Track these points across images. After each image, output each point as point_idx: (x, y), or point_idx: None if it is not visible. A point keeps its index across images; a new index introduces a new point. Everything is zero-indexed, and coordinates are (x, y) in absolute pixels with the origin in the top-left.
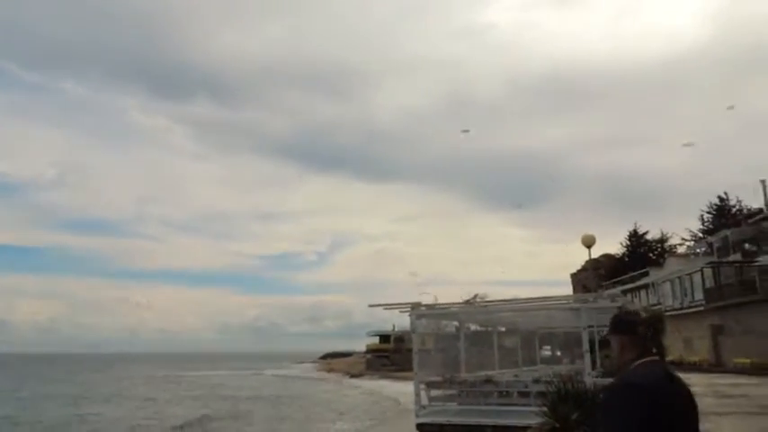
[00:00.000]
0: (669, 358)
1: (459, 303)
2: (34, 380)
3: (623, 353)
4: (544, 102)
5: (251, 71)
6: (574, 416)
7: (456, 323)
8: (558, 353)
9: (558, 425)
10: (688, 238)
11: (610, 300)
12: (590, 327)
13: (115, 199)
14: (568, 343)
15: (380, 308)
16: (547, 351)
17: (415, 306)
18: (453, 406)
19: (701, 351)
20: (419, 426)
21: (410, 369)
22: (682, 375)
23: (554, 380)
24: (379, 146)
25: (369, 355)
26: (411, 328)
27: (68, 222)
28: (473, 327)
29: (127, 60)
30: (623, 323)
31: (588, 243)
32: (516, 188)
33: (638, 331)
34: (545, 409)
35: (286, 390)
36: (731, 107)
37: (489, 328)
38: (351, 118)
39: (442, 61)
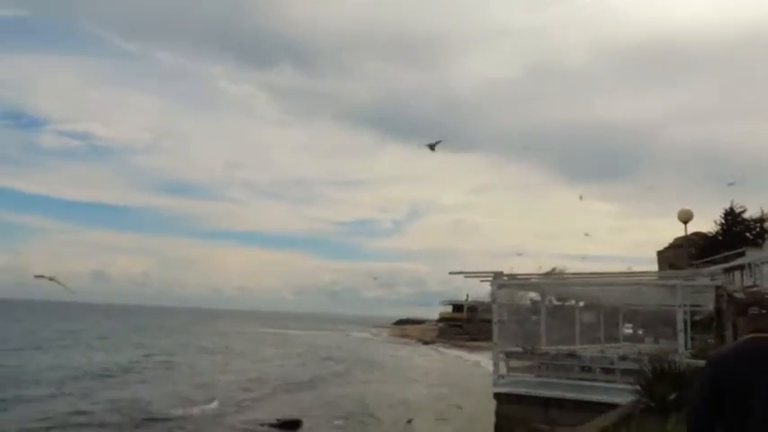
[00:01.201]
0: None
1: (542, 274)
2: (154, 330)
3: (741, 332)
4: (636, 71)
5: (333, 39)
6: (671, 396)
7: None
8: (640, 331)
9: (653, 404)
10: None
11: (709, 278)
12: (684, 306)
13: (204, 163)
14: (653, 321)
15: (456, 277)
16: (628, 329)
17: (497, 275)
18: (531, 378)
19: None
20: (496, 395)
21: (482, 339)
22: None
23: (644, 358)
24: (458, 115)
25: (441, 324)
26: (491, 298)
27: (161, 184)
28: (554, 300)
29: (215, 30)
30: (743, 303)
31: (685, 218)
32: (601, 160)
33: (748, 312)
34: (638, 387)
35: (378, 352)
36: None
37: (571, 302)
38: (431, 87)
39: (526, 29)
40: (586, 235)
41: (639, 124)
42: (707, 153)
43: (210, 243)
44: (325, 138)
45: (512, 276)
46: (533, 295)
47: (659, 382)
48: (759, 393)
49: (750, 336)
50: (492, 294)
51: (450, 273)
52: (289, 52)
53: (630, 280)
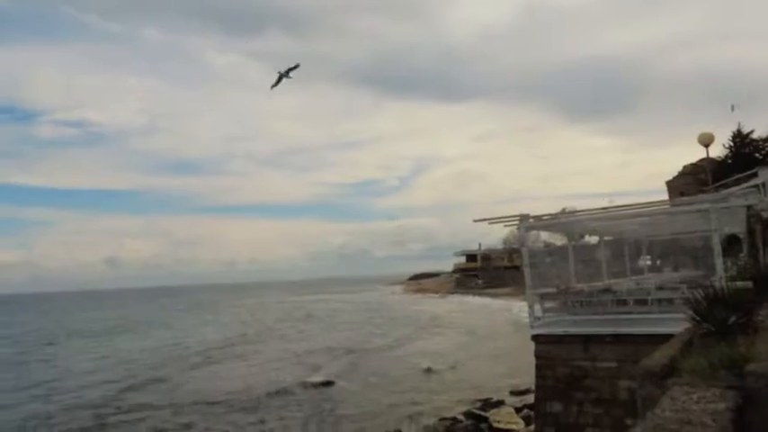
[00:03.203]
0: None
1: (567, 213)
2: (171, 309)
3: None
4: (629, 1)
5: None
6: (731, 320)
7: (548, 237)
8: (658, 262)
9: (713, 329)
10: None
11: (744, 198)
12: (716, 230)
13: (202, 140)
14: (671, 251)
15: (465, 228)
16: (647, 260)
17: (523, 218)
18: (567, 317)
19: None
20: (534, 337)
21: (498, 286)
22: None
23: (681, 286)
24: (454, 65)
25: (457, 275)
26: (520, 242)
27: (162, 165)
28: (578, 239)
29: (197, 1)
30: None
31: (706, 141)
32: (601, 96)
33: None
34: (694, 314)
35: (410, 305)
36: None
37: (593, 240)
38: (424, 39)
39: None
40: (608, 199)
41: (637, 54)
42: (709, 76)
43: (218, 218)
44: (322, 101)
45: (538, 218)
46: (545, 238)
47: (715, 307)
48: None
49: None
50: (520, 238)
51: (475, 221)
52: (276, 17)
53: (661, 209)
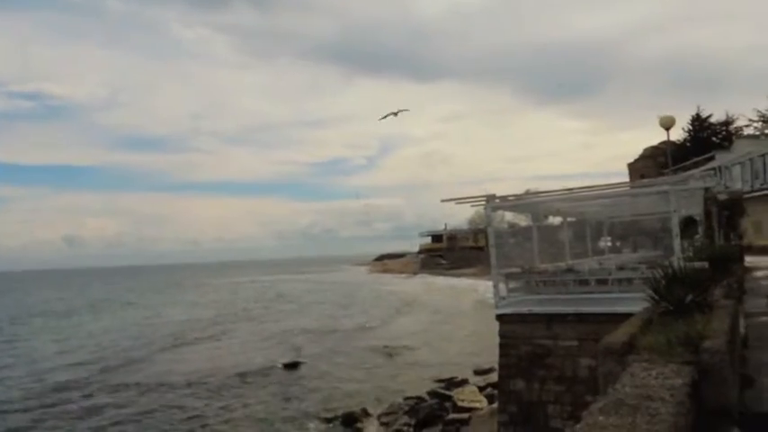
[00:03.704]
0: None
1: (531, 194)
2: (137, 289)
3: None
4: None
5: None
6: (688, 298)
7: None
8: (618, 243)
9: (672, 307)
10: (756, 118)
11: (702, 180)
12: (675, 211)
13: (166, 115)
14: (630, 232)
15: (432, 209)
16: (607, 241)
17: (489, 198)
18: (531, 297)
19: None
20: (499, 316)
21: (464, 266)
22: (751, 258)
23: (641, 267)
24: (424, 43)
25: (422, 255)
26: (486, 222)
27: (125, 141)
28: (541, 220)
29: None
30: None
31: (667, 125)
32: (569, 79)
33: None
34: (653, 293)
35: (376, 286)
36: None
37: (556, 221)
38: (396, 16)
39: None
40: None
41: (606, 38)
42: (671, 61)
43: (182, 196)
44: (289, 78)
45: (504, 198)
46: (510, 218)
47: (673, 286)
48: None
49: None
50: (486, 218)
51: (442, 200)
52: None
53: (623, 191)
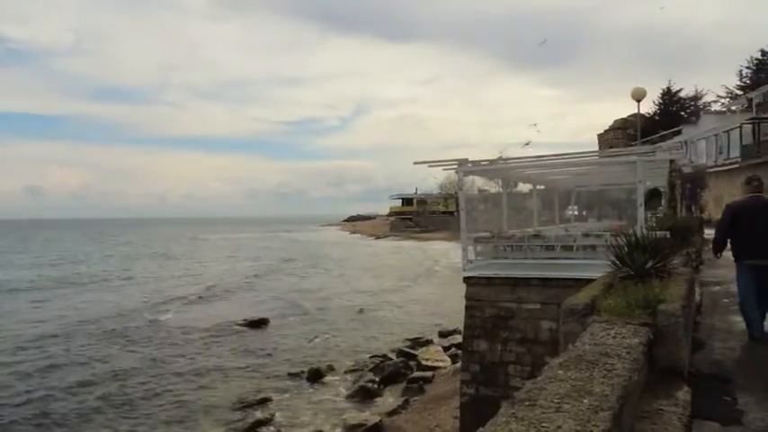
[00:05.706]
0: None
1: (503, 160)
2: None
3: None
4: None
5: None
6: (648, 264)
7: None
8: (584, 212)
9: (633, 273)
10: (723, 95)
11: (669, 153)
12: (641, 181)
13: (134, 66)
14: (596, 202)
15: (403, 172)
16: (574, 210)
17: (461, 162)
18: (498, 260)
19: None
20: (466, 279)
21: (433, 231)
22: (710, 231)
23: (605, 234)
24: (400, 3)
25: (392, 218)
26: (458, 186)
27: (91, 90)
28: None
29: None
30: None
31: (638, 97)
32: (543, 47)
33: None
34: (615, 259)
35: (346, 247)
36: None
37: (525, 188)
38: None
39: None
40: (534, 125)
41: (580, 8)
42: (645, 33)
43: (151, 150)
44: (264, 33)
45: (476, 163)
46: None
47: (635, 253)
48: (751, 218)
49: (750, 195)
50: (458, 182)
51: (415, 163)
52: None
53: (592, 160)
